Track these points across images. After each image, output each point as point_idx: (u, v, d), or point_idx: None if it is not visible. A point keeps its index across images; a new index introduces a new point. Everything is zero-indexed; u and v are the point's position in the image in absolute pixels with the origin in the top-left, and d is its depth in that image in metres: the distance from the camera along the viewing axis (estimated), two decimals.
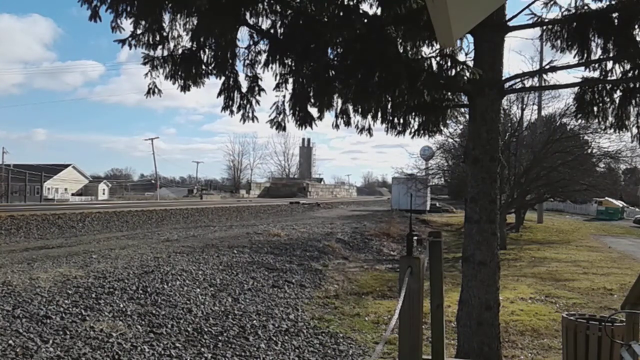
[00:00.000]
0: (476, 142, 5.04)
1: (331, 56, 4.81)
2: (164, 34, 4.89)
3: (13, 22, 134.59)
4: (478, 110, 5.05)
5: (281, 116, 5.14)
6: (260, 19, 4.79)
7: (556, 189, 21.84)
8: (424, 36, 4.47)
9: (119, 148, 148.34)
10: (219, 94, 5.19)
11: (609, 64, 4.88)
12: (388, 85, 4.53)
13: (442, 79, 4.61)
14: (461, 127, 20.70)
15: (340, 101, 5.10)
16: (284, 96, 5.05)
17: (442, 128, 5.77)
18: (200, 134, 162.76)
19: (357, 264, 12.51)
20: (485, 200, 4.98)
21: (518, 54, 73.60)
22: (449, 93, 5.38)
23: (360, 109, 5.09)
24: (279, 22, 4.76)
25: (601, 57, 4.76)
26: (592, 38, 4.69)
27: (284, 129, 5.22)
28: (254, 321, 6.56)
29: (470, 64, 4.78)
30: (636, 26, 4.55)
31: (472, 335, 4.93)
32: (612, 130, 5.13)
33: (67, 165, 62.15)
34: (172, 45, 5.00)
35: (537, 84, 6.86)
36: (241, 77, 5.19)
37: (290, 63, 4.85)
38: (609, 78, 4.93)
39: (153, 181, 67.44)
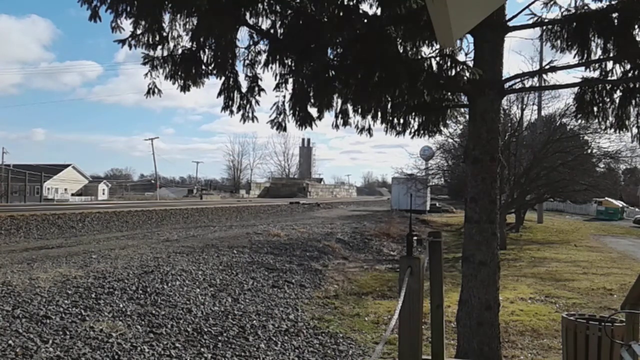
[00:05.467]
0: (476, 142, 5.04)
1: (331, 56, 4.81)
2: (164, 34, 4.89)
3: (12, 23, 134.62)
4: (478, 110, 5.04)
5: (281, 116, 5.13)
6: (260, 19, 4.78)
7: (556, 189, 21.84)
8: (424, 36, 4.46)
9: (118, 148, 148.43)
10: (219, 94, 5.19)
11: (609, 64, 4.88)
12: (388, 85, 4.53)
13: (442, 79, 4.61)
14: (461, 127, 20.70)
15: (340, 101, 5.10)
16: (284, 96, 5.04)
17: (442, 128, 5.78)
18: (199, 134, 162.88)
19: (357, 264, 12.50)
20: (485, 200, 4.98)
21: (518, 54, 73.76)
22: (449, 93, 5.38)
23: (360, 109, 5.09)
24: (279, 22, 4.75)
25: (601, 57, 4.75)
26: (592, 38, 4.69)
27: (285, 129, 5.22)
28: (254, 321, 6.56)
29: (470, 64, 4.78)
30: (636, 26, 4.54)
31: (472, 335, 4.93)
32: (612, 130, 5.12)
33: (66, 166, 62.11)
34: (172, 45, 5.00)
35: (537, 84, 6.85)
36: (241, 77, 5.19)
37: (290, 63, 4.85)
38: (609, 78, 4.92)
39: (153, 181, 67.44)
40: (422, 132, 5.54)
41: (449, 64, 4.46)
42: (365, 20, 4.49)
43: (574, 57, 4.81)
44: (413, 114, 5.40)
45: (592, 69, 4.95)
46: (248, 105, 5.22)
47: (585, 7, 4.78)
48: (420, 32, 4.39)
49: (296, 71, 4.85)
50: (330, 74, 4.73)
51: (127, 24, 4.73)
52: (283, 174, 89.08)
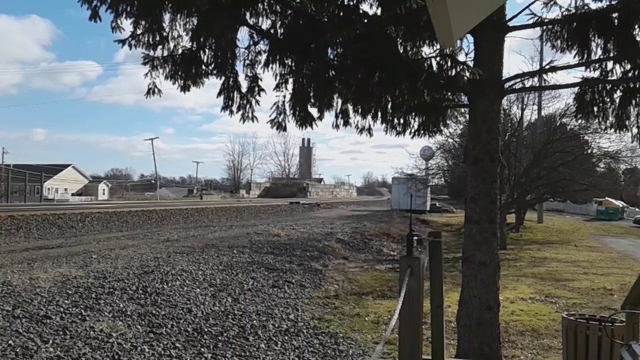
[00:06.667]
0: (476, 142, 5.04)
1: (331, 56, 4.81)
2: (164, 34, 4.89)
3: (12, 23, 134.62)
4: (478, 110, 5.04)
5: (282, 116, 5.13)
6: (260, 19, 4.78)
7: (556, 189, 21.85)
8: (424, 36, 4.46)
9: (118, 148, 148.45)
10: (219, 94, 5.18)
11: (609, 64, 4.87)
12: (388, 85, 4.53)
13: (442, 79, 4.60)
14: (461, 127, 20.73)
15: (340, 101, 5.09)
16: (284, 96, 5.04)
17: (442, 128, 5.77)
18: (199, 134, 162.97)
19: (357, 264, 12.50)
20: (485, 200, 4.98)
21: (518, 54, 73.85)
22: (449, 93, 5.38)
23: (360, 109, 5.09)
24: (279, 22, 4.75)
25: (601, 57, 4.75)
26: (592, 38, 4.68)
27: (285, 129, 5.22)
28: (254, 321, 6.56)
29: (470, 64, 4.77)
30: (636, 26, 4.54)
31: (472, 335, 4.93)
32: (612, 130, 5.12)
33: (67, 166, 62.14)
34: (172, 45, 4.99)
35: (537, 84, 6.85)
36: (241, 77, 5.19)
37: (290, 63, 4.85)
38: (609, 78, 4.92)
39: (153, 181, 67.44)
40: (422, 132, 5.53)
41: (449, 64, 4.46)
42: (365, 20, 4.49)
43: (574, 57, 4.81)
44: (413, 114, 5.40)
45: (592, 69, 4.94)
46: (248, 105, 5.21)
47: (585, 7, 4.78)
48: (421, 32, 4.39)
49: (296, 71, 4.85)
50: (330, 74, 4.73)
51: (127, 24, 4.73)
52: (283, 174, 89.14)
